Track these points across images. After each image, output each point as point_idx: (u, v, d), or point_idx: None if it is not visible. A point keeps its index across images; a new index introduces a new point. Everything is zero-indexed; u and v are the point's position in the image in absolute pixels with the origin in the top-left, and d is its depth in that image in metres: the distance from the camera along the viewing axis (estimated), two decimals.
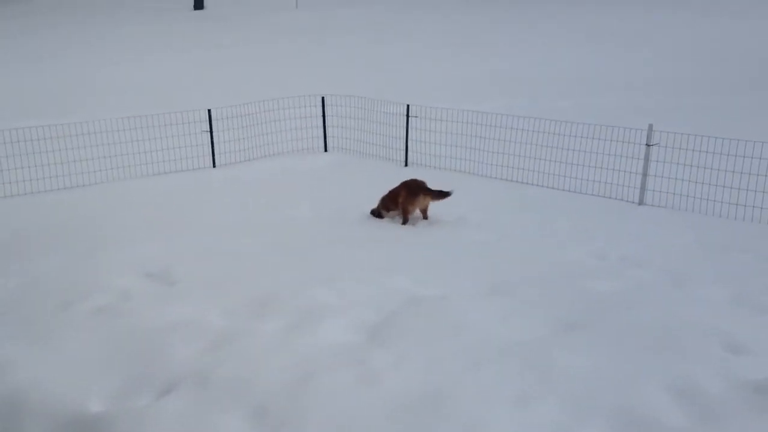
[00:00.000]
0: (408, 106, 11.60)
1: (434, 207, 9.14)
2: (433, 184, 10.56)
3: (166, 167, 11.31)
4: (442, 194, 8.96)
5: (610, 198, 9.63)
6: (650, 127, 9.48)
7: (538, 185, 10.24)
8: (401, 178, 11.15)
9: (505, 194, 10.00)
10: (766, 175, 8.98)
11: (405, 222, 9.00)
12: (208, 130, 11.64)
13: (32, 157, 10.76)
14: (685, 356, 5.23)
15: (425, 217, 9.11)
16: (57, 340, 5.77)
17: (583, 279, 6.73)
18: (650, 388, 4.87)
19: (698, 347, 5.38)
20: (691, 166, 9.42)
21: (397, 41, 21.95)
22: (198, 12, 26.60)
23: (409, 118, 11.55)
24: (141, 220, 8.95)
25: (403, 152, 11.63)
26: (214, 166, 11.63)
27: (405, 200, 8.97)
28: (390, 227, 8.79)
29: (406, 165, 11.52)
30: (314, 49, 21.06)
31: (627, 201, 9.52)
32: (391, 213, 9.18)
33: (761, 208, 8.72)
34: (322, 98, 12.46)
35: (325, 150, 12.35)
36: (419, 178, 9.28)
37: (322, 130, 12.47)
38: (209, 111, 11.70)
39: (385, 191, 9.17)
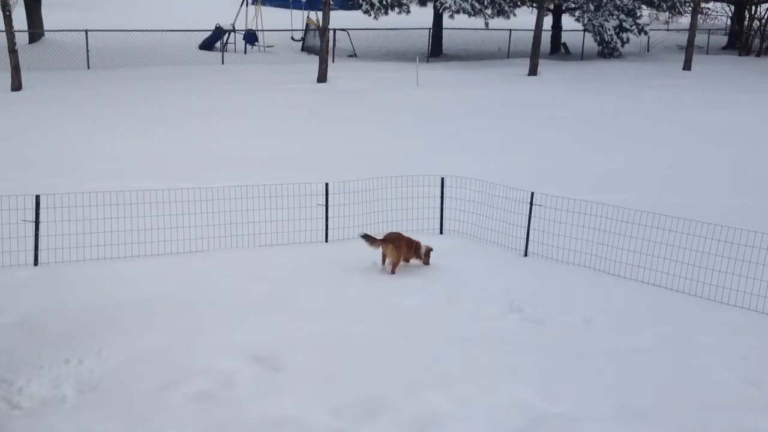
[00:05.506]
0: (532, 193, 11.04)
1: (555, 306, 8.64)
2: (551, 278, 9.98)
3: (275, 239, 11.06)
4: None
5: (756, 311, 8.68)
6: None
7: (672, 289, 9.37)
8: (519, 267, 10.62)
9: (634, 296, 9.18)
10: None
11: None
12: (324, 204, 11.38)
13: (136, 221, 10.48)
14: None
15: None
16: (152, 427, 5.40)
17: (737, 412, 5.90)
18: None
19: None
20: None
21: (519, 126, 21.43)
22: (321, 84, 26.93)
23: (533, 207, 10.98)
24: (246, 294, 8.63)
25: (523, 241, 11.03)
26: (326, 241, 11.34)
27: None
28: (509, 326, 8.13)
29: (525, 255, 10.90)
30: (435, 128, 20.80)
31: None
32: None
33: None
34: (442, 179, 12.06)
35: (441, 232, 11.90)
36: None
37: (438, 211, 12.05)
38: (326, 185, 11.47)
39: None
